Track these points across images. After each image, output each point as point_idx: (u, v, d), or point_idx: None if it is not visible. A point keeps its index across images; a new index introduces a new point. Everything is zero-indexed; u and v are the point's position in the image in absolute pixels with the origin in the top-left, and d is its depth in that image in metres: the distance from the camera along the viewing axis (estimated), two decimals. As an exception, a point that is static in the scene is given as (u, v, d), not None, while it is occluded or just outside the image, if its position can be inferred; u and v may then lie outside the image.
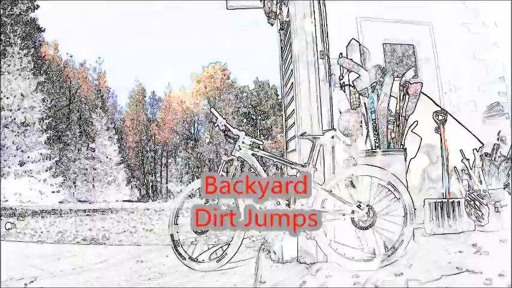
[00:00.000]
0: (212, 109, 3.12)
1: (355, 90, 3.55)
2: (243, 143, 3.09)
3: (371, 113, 3.43)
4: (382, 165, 3.16)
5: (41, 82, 13.37)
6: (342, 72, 3.61)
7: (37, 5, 13.63)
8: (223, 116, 3.10)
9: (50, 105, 13.82)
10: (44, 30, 14.30)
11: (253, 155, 3.09)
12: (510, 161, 3.56)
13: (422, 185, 3.67)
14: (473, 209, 3.49)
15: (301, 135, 3.22)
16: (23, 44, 13.10)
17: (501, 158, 3.57)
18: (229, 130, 3.10)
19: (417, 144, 3.58)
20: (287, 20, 3.89)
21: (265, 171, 3.05)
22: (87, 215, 9.91)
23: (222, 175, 3.06)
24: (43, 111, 13.30)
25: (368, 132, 3.46)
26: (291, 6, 3.47)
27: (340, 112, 3.56)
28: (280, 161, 3.18)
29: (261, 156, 3.12)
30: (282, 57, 4.46)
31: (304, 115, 3.30)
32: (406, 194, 2.96)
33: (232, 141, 3.12)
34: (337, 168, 3.27)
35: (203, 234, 3.04)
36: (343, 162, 3.43)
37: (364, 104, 3.49)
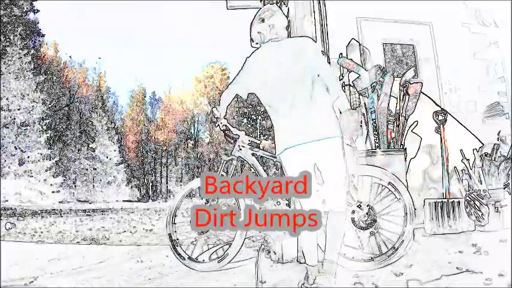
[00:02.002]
0: (214, 109, 3.04)
1: (355, 90, 3.55)
2: (243, 142, 3.09)
3: (371, 113, 3.43)
4: (382, 165, 3.16)
5: (40, 82, 13.37)
6: (342, 72, 3.61)
7: (37, 9, 13.65)
8: (225, 115, 3.10)
9: (50, 105, 13.83)
10: (43, 35, 14.31)
11: (253, 154, 3.09)
12: (510, 161, 3.56)
13: (422, 185, 3.68)
14: (473, 209, 3.49)
15: None
16: (22, 44, 13.11)
17: (501, 158, 3.57)
18: (229, 130, 3.09)
19: (417, 144, 3.58)
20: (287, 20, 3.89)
21: (265, 171, 3.05)
22: (87, 215, 9.90)
23: (222, 175, 3.05)
24: (43, 111, 13.30)
25: (368, 132, 3.46)
26: (291, 6, 3.47)
27: (340, 112, 3.56)
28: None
29: (261, 156, 3.11)
30: (282, 57, 4.46)
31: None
32: (407, 194, 2.96)
33: (232, 140, 3.12)
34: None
35: (203, 234, 3.06)
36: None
37: (364, 104, 3.49)
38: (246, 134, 3.10)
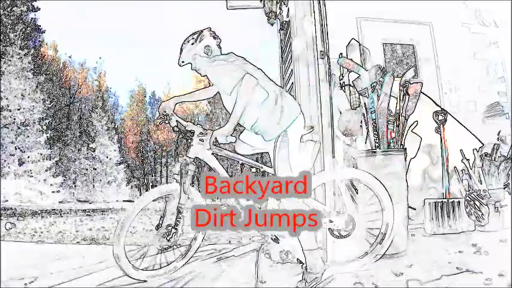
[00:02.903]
0: (164, 104, 2.73)
1: (355, 90, 3.55)
2: (200, 140, 2.64)
3: (371, 113, 3.42)
4: (381, 166, 3.16)
5: (41, 82, 13.37)
6: (342, 72, 3.61)
7: (37, 7, 13.64)
8: (174, 110, 2.67)
9: (50, 105, 13.82)
10: (44, 32, 14.28)
11: (213, 154, 2.69)
12: (510, 161, 3.56)
13: (422, 185, 3.68)
14: (473, 209, 3.49)
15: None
16: (23, 44, 13.10)
17: (501, 158, 3.57)
18: (181, 124, 2.67)
19: (417, 144, 3.58)
20: (287, 20, 3.89)
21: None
22: (87, 215, 9.88)
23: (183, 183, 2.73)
24: (43, 111, 13.30)
25: (368, 132, 3.46)
26: (291, 6, 3.47)
27: (340, 112, 3.56)
28: (248, 162, 2.82)
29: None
30: (282, 57, 4.46)
31: (304, 115, 3.29)
32: (383, 190, 2.88)
33: (186, 137, 2.66)
34: (323, 171, 3.13)
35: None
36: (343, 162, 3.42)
37: (364, 104, 3.49)
38: (203, 129, 2.68)
